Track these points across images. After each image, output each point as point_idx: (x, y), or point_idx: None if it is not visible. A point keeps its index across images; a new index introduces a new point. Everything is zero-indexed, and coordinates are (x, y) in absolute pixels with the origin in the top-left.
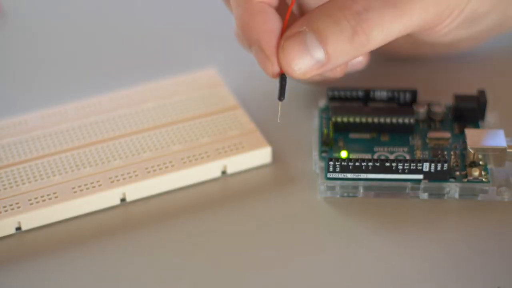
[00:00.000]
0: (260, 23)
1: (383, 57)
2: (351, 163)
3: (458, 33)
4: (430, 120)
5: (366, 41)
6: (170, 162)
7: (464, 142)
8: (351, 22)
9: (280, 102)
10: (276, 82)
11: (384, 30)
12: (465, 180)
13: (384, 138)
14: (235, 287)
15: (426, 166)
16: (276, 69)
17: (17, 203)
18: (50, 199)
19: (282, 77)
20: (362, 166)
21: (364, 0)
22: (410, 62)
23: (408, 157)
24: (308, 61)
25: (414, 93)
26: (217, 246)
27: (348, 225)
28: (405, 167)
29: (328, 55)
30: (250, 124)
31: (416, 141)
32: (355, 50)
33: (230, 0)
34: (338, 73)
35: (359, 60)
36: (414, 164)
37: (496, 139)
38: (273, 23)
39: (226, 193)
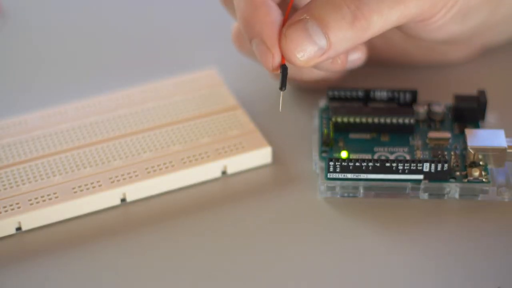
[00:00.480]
0: (262, 15)
1: (380, 65)
2: (351, 163)
3: (452, 28)
4: (430, 120)
5: (366, 26)
6: (170, 162)
7: (464, 142)
8: (351, 7)
9: (282, 92)
10: (276, 83)
11: (383, 16)
12: (465, 180)
13: (384, 138)
14: (235, 287)
15: (426, 166)
16: (276, 61)
17: (17, 203)
18: (50, 199)
19: (283, 67)
20: (362, 166)
21: None
22: None
23: (408, 157)
24: (310, 48)
25: (414, 93)
26: (217, 246)
27: (349, 225)
28: (405, 167)
29: (330, 41)
30: (250, 124)
31: (416, 141)
32: (356, 35)
33: None
34: (339, 66)
35: (359, 56)
36: (414, 164)
37: (496, 139)
38: (275, 15)
39: (226, 193)
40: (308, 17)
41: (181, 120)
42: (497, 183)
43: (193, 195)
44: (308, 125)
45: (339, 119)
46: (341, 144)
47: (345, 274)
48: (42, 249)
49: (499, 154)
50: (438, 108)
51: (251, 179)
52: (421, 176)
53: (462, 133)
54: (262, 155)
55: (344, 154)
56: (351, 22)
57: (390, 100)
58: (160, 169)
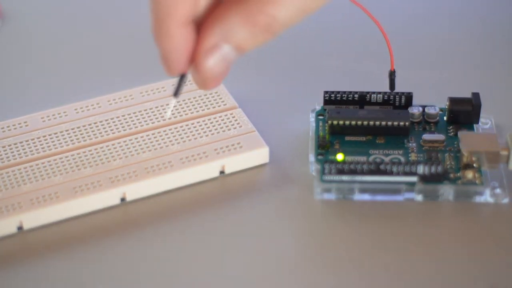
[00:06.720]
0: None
1: None
2: (347, 166)
3: None
4: (425, 123)
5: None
6: (169, 162)
7: (459, 144)
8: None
9: (174, 99)
10: (274, 85)
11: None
12: (460, 182)
13: (380, 140)
14: (232, 286)
15: (420, 169)
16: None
17: (18, 203)
18: (51, 198)
19: (182, 76)
20: (357, 168)
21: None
22: (406, 66)
23: (403, 159)
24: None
25: (409, 96)
26: (215, 245)
27: (344, 226)
28: (399, 170)
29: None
30: (248, 124)
31: (411, 144)
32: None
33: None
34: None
35: None
36: (409, 167)
37: (490, 141)
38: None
39: (224, 193)
40: (223, 43)
41: (180, 120)
42: (491, 185)
43: (191, 194)
44: (305, 126)
45: (335, 122)
46: (337, 146)
47: (341, 275)
48: (43, 248)
49: (493, 157)
50: (433, 111)
51: (249, 179)
52: (415, 178)
53: (457, 136)
54: (259, 155)
55: (340, 157)
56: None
57: (386, 103)
58: (159, 169)
